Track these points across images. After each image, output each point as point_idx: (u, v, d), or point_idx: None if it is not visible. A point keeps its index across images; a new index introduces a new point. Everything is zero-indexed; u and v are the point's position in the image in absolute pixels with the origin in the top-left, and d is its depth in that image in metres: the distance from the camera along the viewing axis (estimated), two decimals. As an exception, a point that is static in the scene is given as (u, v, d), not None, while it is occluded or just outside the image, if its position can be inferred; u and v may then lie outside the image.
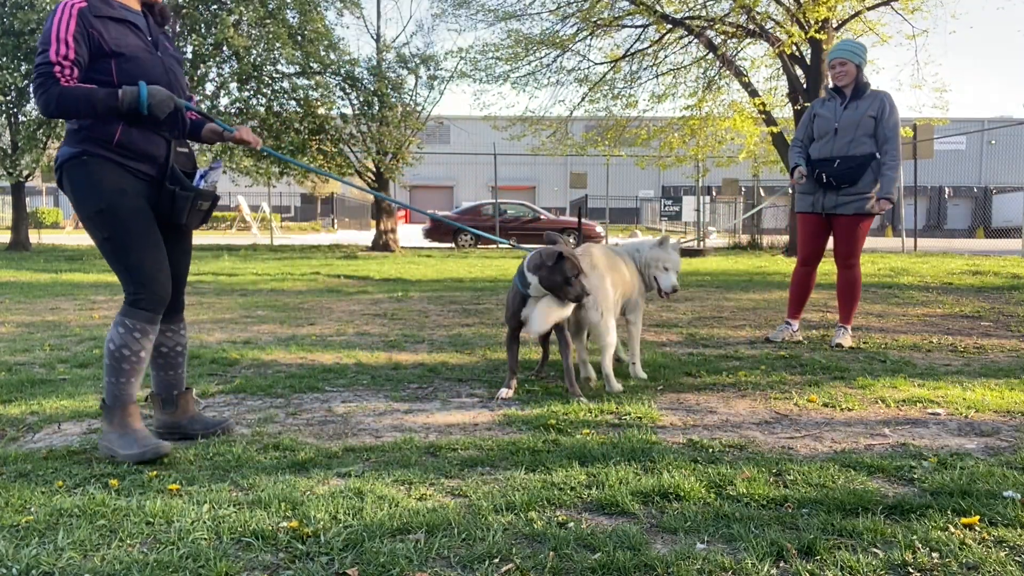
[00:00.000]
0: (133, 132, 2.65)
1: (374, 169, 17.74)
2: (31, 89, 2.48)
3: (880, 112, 4.78)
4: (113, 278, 10.28)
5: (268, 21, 14.98)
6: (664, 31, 15.63)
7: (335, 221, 38.16)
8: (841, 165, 4.82)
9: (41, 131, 15.42)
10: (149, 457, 2.57)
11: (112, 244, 2.67)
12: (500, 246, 19.91)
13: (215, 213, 39.81)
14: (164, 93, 2.64)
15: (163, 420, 2.96)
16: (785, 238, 17.28)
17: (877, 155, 4.81)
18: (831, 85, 5.02)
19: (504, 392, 3.58)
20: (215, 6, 15.04)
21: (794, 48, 14.07)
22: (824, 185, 4.90)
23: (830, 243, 5.13)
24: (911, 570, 1.81)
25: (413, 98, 17.80)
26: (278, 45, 14.97)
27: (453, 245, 20.38)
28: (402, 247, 18.73)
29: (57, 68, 2.52)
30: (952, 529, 2.02)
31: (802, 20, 13.04)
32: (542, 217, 21.74)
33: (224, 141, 2.96)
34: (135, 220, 2.66)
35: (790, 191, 4.84)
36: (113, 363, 2.66)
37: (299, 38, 15.44)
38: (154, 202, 2.73)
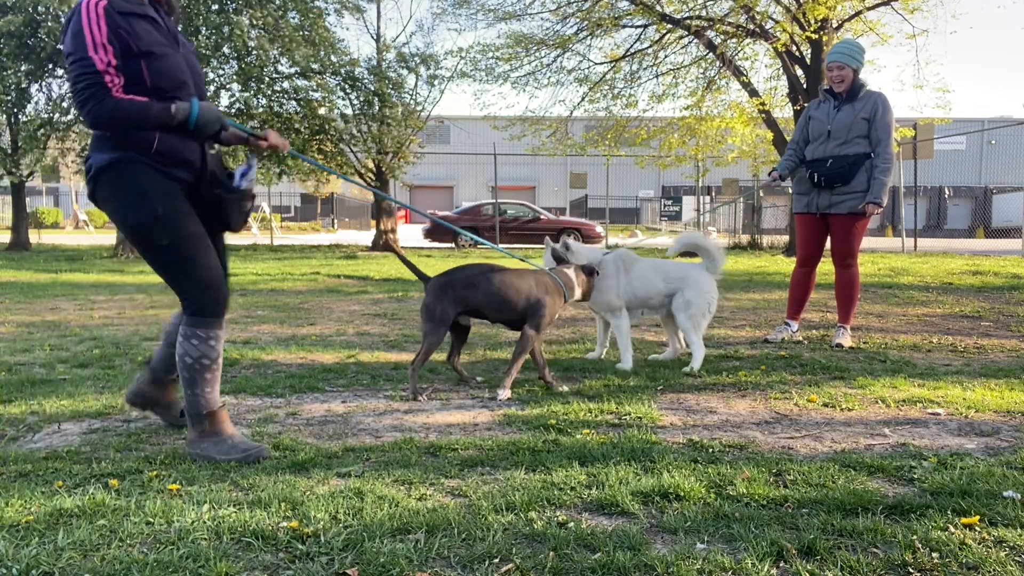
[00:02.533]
0: (171, 138, 2.53)
1: (375, 168, 17.76)
2: (75, 99, 2.40)
3: (873, 114, 4.79)
4: (113, 278, 10.26)
5: (281, 23, 15.00)
6: (664, 31, 15.63)
7: (335, 221, 38.16)
8: (833, 165, 4.85)
9: (42, 131, 15.43)
10: (252, 459, 2.58)
11: (172, 252, 2.53)
12: (500, 247, 19.90)
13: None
14: (213, 113, 2.59)
15: (142, 389, 2.96)
16: (785, 238, 17.29)
17: (871, 154, 4.82)
18: (826, 86, 5.03)
19: (504, 393, 3.57)
20: (216, 6, 15.05)
21: (794, 47, 14.07)
22: (817, 185, 4.93)
23: (828, 243, 5.15)
24: (911, 570, 1.81)
25: (413, 97, 17.83)
26: (281, 49, 14.97)
27: (453, 245, 20.37)
28: (402, 247, 18.74)
29: (107, 78, 2.38)
30: (952, 529, 2.02)
31: (801, 20, 13.04)
32: (542, 217, 21.73)
33: (251, 146, 2.85)
34: (192, 224, 2.56)
35: (789, 190, 4.97)
36: (194, 375, 2.61)
37: (299, 40, 15.45)
38: (193, 208, 2.64)
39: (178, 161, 2.56)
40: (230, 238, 3.08)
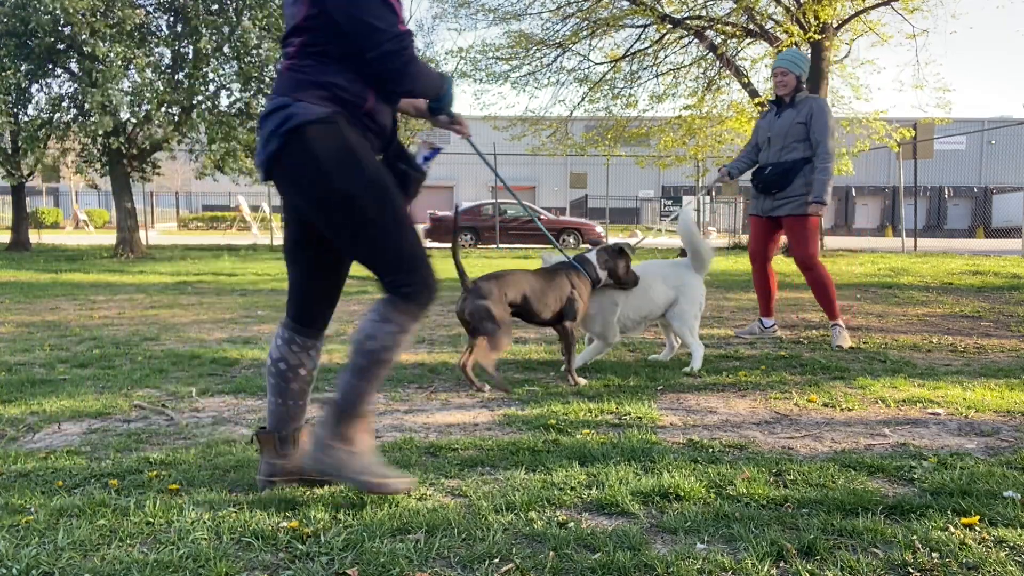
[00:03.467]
0: (380, 100, 2.19)
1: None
2: (395, 57, 2.04)
3: (808, 117, 4.94)
4: (113, 278, 10.26)
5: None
6: (664, 31, 15.64)
7: (335, 221, 38.07)
8: (771, 172, 5.05)
9: (42, 131, 15.41)
10: (389, 490, 2.18)
11: (382, 223, 2.11)
12: (500, 246, 19.90)
13: (216, 213, 39.44)
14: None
15: (276, 465, 2.33)
16: (784, 238, 17.27)
17: (814, 159, 4.94)
18: (772, 96, 5.26)
19: (580, 381, 3.84)
20: (216, 6, 15.05)
21: (794, 48, 14.06)
22: (759, 190, 5.16)
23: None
24: (911, 570, 1.81)
25: (413, 98, 17.80)
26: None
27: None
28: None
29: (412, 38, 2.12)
30: (952, 529, 2.02)
31: (802, 20, 13.04)
32: (542, 217, 21.73)
33: (436, 123, 2.55)
34: (398, 194, 2.18)
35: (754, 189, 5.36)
36: (369, 364, 2.14)
37: None
38: None
39: (379, 126, 2.21)
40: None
